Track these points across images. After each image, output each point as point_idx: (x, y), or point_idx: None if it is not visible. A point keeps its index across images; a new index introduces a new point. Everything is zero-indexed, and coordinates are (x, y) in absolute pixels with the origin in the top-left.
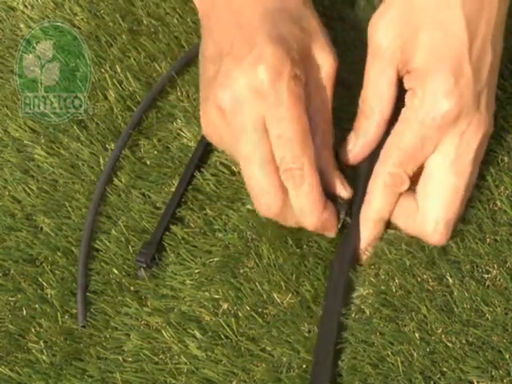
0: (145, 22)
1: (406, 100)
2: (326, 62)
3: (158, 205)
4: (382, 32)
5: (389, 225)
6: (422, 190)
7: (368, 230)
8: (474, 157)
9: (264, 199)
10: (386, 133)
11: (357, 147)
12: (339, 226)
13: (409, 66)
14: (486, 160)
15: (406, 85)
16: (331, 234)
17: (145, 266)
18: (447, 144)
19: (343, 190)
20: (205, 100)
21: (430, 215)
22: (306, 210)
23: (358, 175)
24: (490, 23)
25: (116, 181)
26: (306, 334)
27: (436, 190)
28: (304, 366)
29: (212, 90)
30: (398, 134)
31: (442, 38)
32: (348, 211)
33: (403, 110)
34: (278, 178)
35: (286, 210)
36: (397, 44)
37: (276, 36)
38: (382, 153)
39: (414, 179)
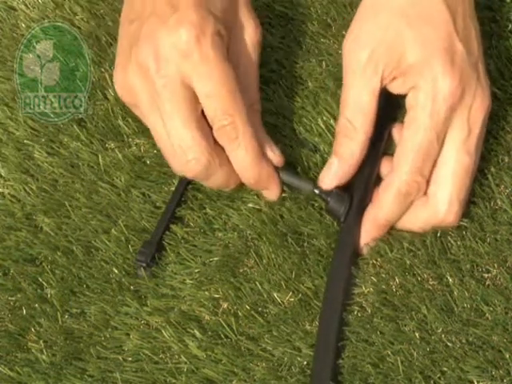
0: None
1: (408, 103)
2: (249, 25)
3: (158, 204)
4: (360, 47)
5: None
6: (433, 176)
7: (372, 232)
8: (481, 132)
9: (190, 154)
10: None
11: (341, 170)
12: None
13: (401, 67)
14: (487, 159)
15: (402, 88)
16: (273, 193)
17: (144, 265)
18: (458, 124)
19: (272, 153)
20: (125, 62)
21: (444, 197)
22: (246, 163)
23: (360, 174)
24: (465, 1)
25: (116, 180)
26: (307, 333)
27: (449, 172)
28: (304, 365)
29: (135, 50)
30: (409, 138)
31: (427, 28)
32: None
33: (408, 114)
34: (204, 134)
35: (213, 168)
36: (380, 52)
37: None
38: (395, 161)
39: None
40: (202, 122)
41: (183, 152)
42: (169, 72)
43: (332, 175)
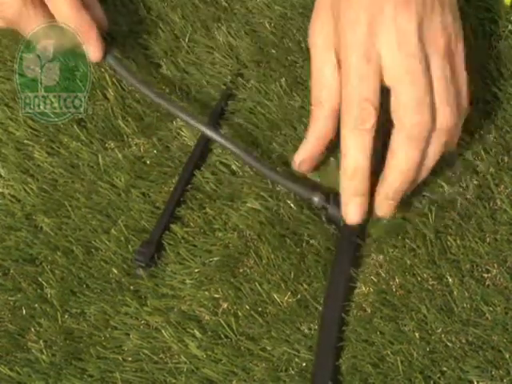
0: (145, 21)
1: None
2: None
3: (157, 204)
4: (317, 28)
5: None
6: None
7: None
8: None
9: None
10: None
11: (311, 145)
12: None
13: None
14: (486, 159)
15: None
16: (93, 50)
17: (143, 265)
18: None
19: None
20: None
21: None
22: (66, 13)
23: None
24: None
25: (116, 180)
26: (306, 333)
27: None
28: (304, 365)
29: None
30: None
31: None
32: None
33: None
34: None
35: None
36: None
37: None
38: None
39: None
40: None
41: None
42: None
43: (303, 149)
